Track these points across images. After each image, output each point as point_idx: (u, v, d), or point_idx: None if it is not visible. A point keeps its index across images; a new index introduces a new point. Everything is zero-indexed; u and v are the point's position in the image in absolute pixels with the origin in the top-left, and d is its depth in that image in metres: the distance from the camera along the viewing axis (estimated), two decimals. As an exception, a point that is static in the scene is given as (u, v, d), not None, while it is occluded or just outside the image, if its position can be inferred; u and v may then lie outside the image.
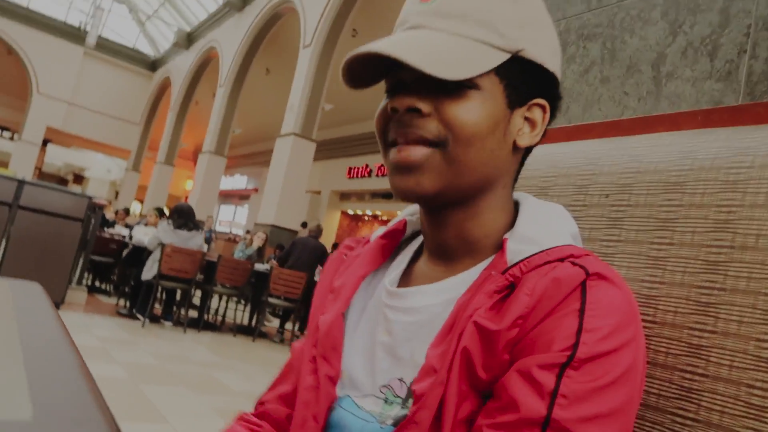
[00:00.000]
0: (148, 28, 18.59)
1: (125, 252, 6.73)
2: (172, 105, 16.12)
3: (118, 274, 7.21)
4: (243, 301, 6.99)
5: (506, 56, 0.54)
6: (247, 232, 12.84)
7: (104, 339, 4.48)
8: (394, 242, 0.67)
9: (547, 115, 0.58)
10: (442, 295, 0.56)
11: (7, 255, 4.86)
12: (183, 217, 5.64)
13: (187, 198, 16.80)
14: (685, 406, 0.54)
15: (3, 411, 0.28)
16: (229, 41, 13.08)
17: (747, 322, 0.52)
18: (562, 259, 0.50)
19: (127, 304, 6.04)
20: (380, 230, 0.69)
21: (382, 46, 0.50)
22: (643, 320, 0.60)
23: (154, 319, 5.79)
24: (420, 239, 0.67)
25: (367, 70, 0.56)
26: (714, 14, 0.91)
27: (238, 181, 21.21)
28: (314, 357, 0.62)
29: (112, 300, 6.68)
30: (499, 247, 0.56)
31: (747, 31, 0.85)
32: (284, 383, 0.71)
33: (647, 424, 0.57)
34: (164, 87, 17.94)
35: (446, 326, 0.52)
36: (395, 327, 0.57)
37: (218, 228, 19.70)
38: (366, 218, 17.08)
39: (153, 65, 19.05)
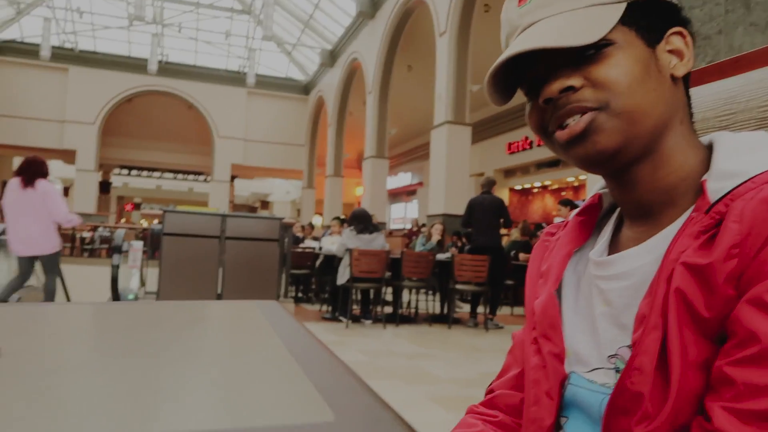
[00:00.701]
0: (295, 55, 20.00)
1: (318, 262, 7.32)
2: (329, 121, 17.15)
3: (315, 282, 7.87)
4: (432, 292, 7.20)
5: (623, 6, 0.55)
6: (423, 225, 13.18)
7: (317, 343, 4.92)
8: (592, 218, 0.67)
9: (688, 38, 0.57)
10: (651, 253, 0.54)
11: (225, 281, 5.57)
12: (362, 221, 5.98)
13: (359, 203, 17.76)
14: None
15: (309, 415, 0.34)
16: (369, 49, 13.55)
17: None
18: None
19: (329, 308, 6.56)
20: (577, 209, 0.69)
21: (514, 48, 0.54)
22: None
23: (355, 319, 6.22)
24: (619, 209, 0.65)
25: (502, 84, 0.59)
26: None
27: (402, 179, 21.89)
28: (535, 338, 0.63)
29: (315, 307, 7.30)
30: (700, 191, 0.53)
31: None
32: (511, 370, 0.73)
33: None
34: (320, 106, 19.16)
35: (655, 277, 0.51)
36: (611, 296, 0.57)
37: (392, 225, 20.51)
38: (535, 190, 16.56)
39: (306, 88, 20.45)
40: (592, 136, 0.54)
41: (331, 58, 16.94)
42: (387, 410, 0.36)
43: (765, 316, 0.42)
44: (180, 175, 26.09)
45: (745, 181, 0.49)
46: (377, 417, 0.35)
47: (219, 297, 5.52)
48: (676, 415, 0.47)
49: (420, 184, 19.75)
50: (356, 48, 14.70)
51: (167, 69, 18.56)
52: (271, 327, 0.70)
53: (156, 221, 11.52)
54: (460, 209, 9.56)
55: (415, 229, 12.29)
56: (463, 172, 9.75)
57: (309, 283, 8.16)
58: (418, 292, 6.79)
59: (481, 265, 5.88)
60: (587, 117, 0.54)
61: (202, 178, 25.28)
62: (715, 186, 0.51)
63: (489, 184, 6.32)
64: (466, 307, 7.52)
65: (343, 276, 5.88)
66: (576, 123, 0.55)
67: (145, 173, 26.21)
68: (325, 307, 6.95)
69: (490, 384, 0.76)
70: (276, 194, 27.04)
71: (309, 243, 8.64)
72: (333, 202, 16.80)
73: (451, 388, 3.62)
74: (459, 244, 7.97)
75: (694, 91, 0.75)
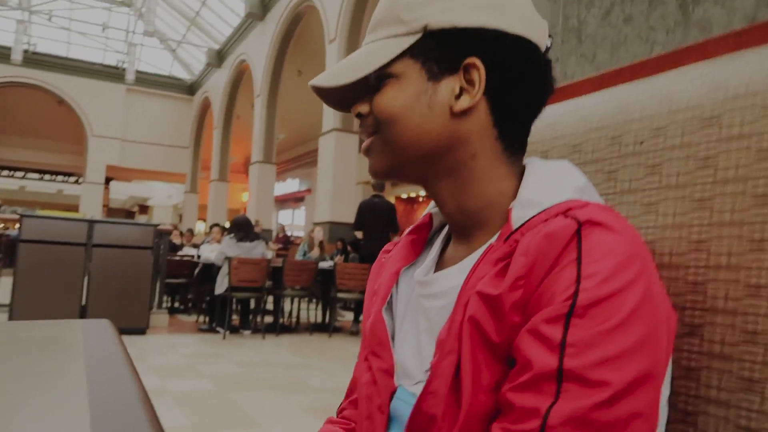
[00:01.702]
0: (180, 53, 19.13)
1: (196, 271, 7.00)
2: (215, 123, 16.55)
3: (193, 292, 7.52)
4: (314, 300, 7.14)
5: (411, 38, 0.57)
6: (286, 233, 13.09)
7: (189, 355, 4.69)
8: (422, 236, 0.69)
9: (482, 71, 0.56)
10: (463, 274, 0.56)
11: (90, 291, 5.16)
12: (242, 229, 5.81)
13: (245, 209, 17.26)
14: (751, 350, 0.51)
15: None
16: (258, 51, 13.27)
17: (808, 253, 0.49)
18: (557, 215, 0.50)
19: (206, 319, 6.29)
20: (409, 228, 0.71)
21: (315, 80, 0.60)
22: (695, 267, 0.57)
23: (234, 330, 6.00)
24: (448, 227, 0.68)
25: (342, 92, 0.62)
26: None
27: (291, 185, 21.60)
28: (366, 356, 0.65)
29: (192, 318, 6.97)
30: (507, 216, 0.56)
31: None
32: (355, 390, 0.75)
33: (715, 371, 0.54)
34: (205, 107, 18.44)
35: (455, 303, 0.54)
36: (431, 313, 0.59)
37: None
38: (420, 199, 17.04)
39: (191, 88, 19.60)
40: (371, 155, 0.61)
41: (218, 58, 16.38)
42: None
43: (538, 345, 0.45)
44: (48, 176, 23.92)
45: (540, 213, 0.52)
46: None
47: (83, 309, 5.10)
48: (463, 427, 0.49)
49: (308, 191, 19.60)
50: (245, 49, 14.33)
51: (34, 60, 16.91)
52: (82, 351, 0.62)
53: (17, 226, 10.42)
54: (346, 216, 9.60)
55: (281, 235, 12.09)
56: (350, 179, 9.80)
57: (187, 292, 7.78)
58: (299, 301, 6.70)
59: (363, 274, 5.92)
60: (369, 140, 0.61)
61: (73, 179, 23.35)
62: (518, 214, 0.54)
63: (380, 186, 6.25)
64: (348, 316, 7.54)
65: (221, 285, 5.66)
66: (365, 142, 0.62)
67: (5, 173, 23.74)
68: (202, 318, 6.66)
69: (341, 404, 0.78)
70: (156, 198, 25.63)
71: (188, 251, 8.24)
72: (217, 208, 16.21)
73: (327, 398, 3.60)
74: (343, 250, 7.97)
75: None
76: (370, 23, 0.62)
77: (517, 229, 0.52)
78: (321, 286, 6.44)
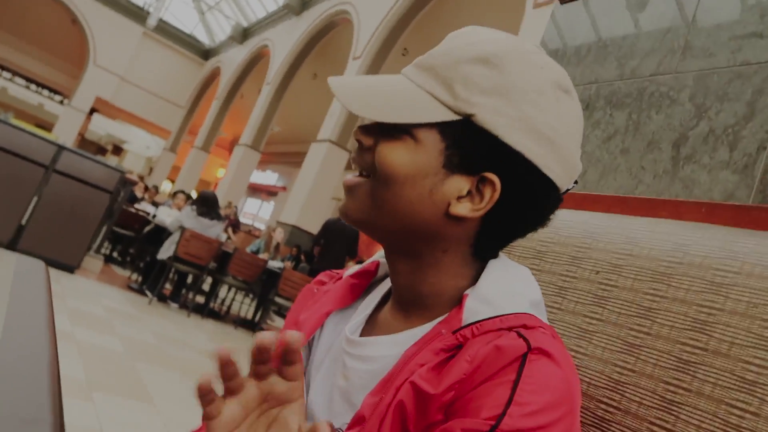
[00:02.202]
0: (208, 17, 19.05)
1: (147, 229, 6.85)
2: (218, 94, 16.44)
3: (136, 248, 7.34)
4: (251, 296, 7.03)
5: (452, 116, 0.52)
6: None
7: (110, 310, 4.56)
8: (364, 282, 0.68)
9: (497, 192, 0.53)
10: (397, 347, 0.56)
11: (35, 214, 4.99)
12: (206, 205, 5.73)
13: (217, 185, 17.05)
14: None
15: None
16: (282, 42, 13.32)
17: (706, 429, 0.52)
18: (512, 328, 0.50)
19: (139, 279, 6.14)
20: (353, 268, 0.70)
21: (335, 81, 0.56)
22: (607, 404, 0.60)
23: (162, 298, 5.87)
24: (389, 283, 0.66)
25: None
26: (741, 105, 0.91)
27: (268, 177, 21.46)
28: None
29: (126, 273, 6.79)
30: (457, 302, 0.56)
31: (770, 129, 0.85)
32: None
33: None
34: (213, 76, 18.32)
35: (387, 377, 0.53)
36: (351, 374, 0.58)
37: (241, 219, 19.94)
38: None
39: (206, 54, 19.49)
40: (351, 197, 0.57)
41: (242, 35, 16.36)
42: (45, 412, 0.33)
43: None
44: (34, 86, 23.31)
45: (495, 318, 0.52)
46: (29, 418, 0.31)
47: (19, 229, 4.93)
48: None
49: (283, 188, 19.48)
50: (271, 36, 14.36)
51: (63, -30, 16.69)
52: (8, 285, 0.62)
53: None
54: (311, 225, 9.55)
55: (232, 217, 11.83)
56: (328, 193, 9.80)
57: (129, 246, 7.59)
58: (236, 292, 6.59)
59: (308, 288, 5.86)
60: (357, 179, 0.57)
61: (58, 98, 22.79)
62: (472, 306, 0.53)
63: None
64: (278, 321, 7.44)
65: (166, 251, 5.55)
66: (351, 177, 0.58)
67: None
68: (135, 276, 6.49)
69: None
70: (134, 144, 25.13)
71: (145, 206, 8.07)
72: (191, 174, 15.97)
73: (229, 398, 3.52)
74: (296, 257, 7.90)
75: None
76: (424, 56, 0.57)
77: (468, 325, 0.52)
78: (263, 284, 6.37)
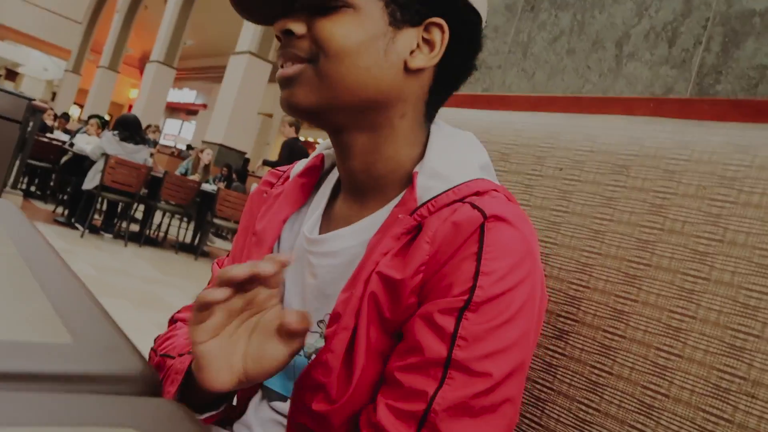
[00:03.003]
0: None
1: (64, 159, 6.47)
2: (118, 6, 15.08)
3: (56, 180, 6.95)
4: (186, 220, 6.91)
5: None
6: (188, 147, 12.43)
7: (41, 247, 4.38)
8: (312, 179, 0.67)
9: (446, 35, 0.55)
10: (358, 236, 0.57)
11: (-65, 152, 4.59)
12: (129, 129, 5.45)
13: (131, 107, 16.04)
14: (602, 361, 0.64)
15: (44, 335, 0.32)
16: (186, -57, 12.21)
17: (664, 296, 0.61)
18: (464, 199, 0.52)
19: (66, 212, 5.87)
20: (299, 166, 0.69)
21: None
22: (578, 285, 0.69)
23: (94, 230, 5.67)
24: (336, 174, 0.66)
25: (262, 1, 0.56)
26: (678, 2, 0.96)
27: (186, 95, 20.39)
28: None
29: (49, 207, 6.47)
30: (410, 181, 0.56)
31: (705, 24, 0.91)
32: None
33: (569, 373, 0.66)
34: (111, -16, 16.71)
35: (356, 272, 0.54)
36: (319, 270, 0.60)
37: (163, 141, 19.05)
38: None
39: (99, -42, 17.62)
40: (294, 86, 0.54)
41: (138, -64, 14.85)
42: (123, 338, 0.36)
43: (430, 332, 0.48)
44: None
45: (447, 190, 0.53)
46: (114, 345, 0.34)
47: None
48: (354, 401, 0.52)
49: (204, 105, 18.63)
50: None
51: None
52: (6, 233, 0.61)
53: None
54: (239, 143, 9.30)
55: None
56: (253, 107, 9.49)
57: (47, 179, 7.17)
58: (172, 217, 6.46)
59: (245, 206, 5.82)
60: (296, 68, 0.54)
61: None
62: (424, 183, 0.54)
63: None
64: (218, 242, 7.40)
65: (91, 181, 5.29)
66: (286, 69, 0.54)
67: None
68: (60, 210, 6.20)
69: (177, 312, 0.76)
70: (30, 67, 22.95)
71: (59, 135, 7.56)
72: (100, 97, 14.94)
73: (182, 321, 3.56)
74: (227, 176, 7.74)
75: (464, 113, 0.84)
76: None
77: (423, 204, 0.53)
78: (198, 207, 6.25)
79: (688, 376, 0.57)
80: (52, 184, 7.11)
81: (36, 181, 7.23)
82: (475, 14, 0.57)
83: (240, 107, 9.21)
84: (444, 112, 0.64)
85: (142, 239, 5.81)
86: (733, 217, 0.59)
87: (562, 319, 0.69)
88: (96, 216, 6.02)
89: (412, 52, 0.54)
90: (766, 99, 0.76)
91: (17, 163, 5.48)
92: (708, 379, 0.56)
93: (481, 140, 0.88)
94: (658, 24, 0.98)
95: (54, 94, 19.55)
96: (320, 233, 0.62)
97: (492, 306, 0.48)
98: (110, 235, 5.74)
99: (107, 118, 11.94)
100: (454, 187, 0.53)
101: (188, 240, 6.61)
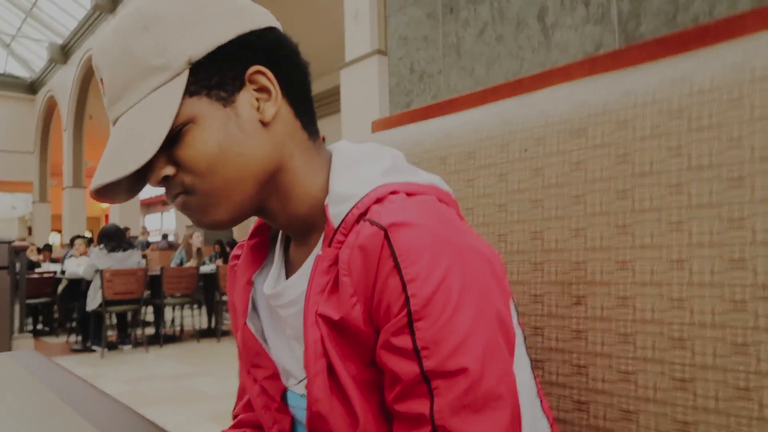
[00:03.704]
0: (16, 48, 17.23)
1: (60, 288, 6.46)
2: (64, 125, 15.19)
3: (59, 311, 6.94)
4: (198, 306, 6.91)
5: (182, 79, 0.52)
6: (164, 236, 12.42)
7: (67, 380, 4.37)
8: (263, 237, 0.68)
9: (269, 73, 0.55)
10: (305, 279, 0.57)
11: (-64, 323, 4.58)
12: (113, 239, 5.48)
13: (107, 217, 16.05)
14: (624, 311, 0.67)
15: None
16: (110, 45, 12.33)
17: (656, 235, 0.65)
18: (367, 212, 0.52)
19: (79, 338, 5.86)
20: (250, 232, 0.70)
21: (93, 183, 0.53)
22: (577, 249, 0.72)
23: (112, 347, 5.66)
24: None
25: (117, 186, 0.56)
26: (580, -37, 1.02)
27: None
28: (248, 369, 0.65)
29: (61, 339, 6.45)
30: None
31: (610, -25, 0.96)
32: (245, 393, 0.75)
33: (598, 331, 0.69)
34: (51, 108, 16.83)
35: (304, 319, 0.54)
36: (291, 320, 0.60)
37: (149, 238, 19.03)
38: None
39: (32, 87, 17.78)
40: (194, 214, 0.56)
41: (63, 54, 15.01)
42: None
43: (396, 357, 0.48)
44: None
45: (353, 207, 0.53)
46: None
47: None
48: (363, 429, 0.52)
49: (177, 191, 18.64)
50: (94, 44, 13.24)
51: None
52: (38, 380, 0.64)
53: None
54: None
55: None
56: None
57: (50, 312, 7.15)
58: (183, 309, 6.46)
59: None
60: (180, 200, 0.55)
61: None
62: (335, 210, 0.54)
63: None
64: (234, 317, 7.37)
65: (94, 300, 5.30)
66: (177, 202, 0.56)
67: None
68: (73, 338, 6.18)
69: (234, 409, 0.78)
70: (-1, 211, 22.97)
71: (47, 267, 7.56)
72: (75, 217, 14.94)
73: (224, 403, 3.55)
74: (221, 252, 7.75)
75: (415, 128, 0.88)
76: (110, 98, 0.55)
77: (337, 229, 0.53)
78: (204, 291, 6.25)
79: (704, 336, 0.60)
80: (56, 316, 7.09)
81: (40, 318, 7.21)
82: (268, 30, 0.57)
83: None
84: (397, 133, 0.66)
85: (161, 340, 5.80)
86: (692, 143, 0.63)
87: (573, 285, 0.72)
88: (110, 332, 6.01)
89: (258, 109, 0.55)
90: (684, 29, 0.81)
91: (17, 306, 5.48)
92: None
93: (446, 145, 0.93)
94: (569, -12, 1.03)
95: (30, 229, 19.54)
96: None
97: (433, 306, 0.47)
98: (129, 346, 5.72)
99: (89, 235, 11.95)
100: (358, 202, 0.53)
101: (205, 325, 6.60)
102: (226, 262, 7.08)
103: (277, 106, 0.56)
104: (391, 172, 0.56)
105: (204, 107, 0.53)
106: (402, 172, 0.57)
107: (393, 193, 0.53)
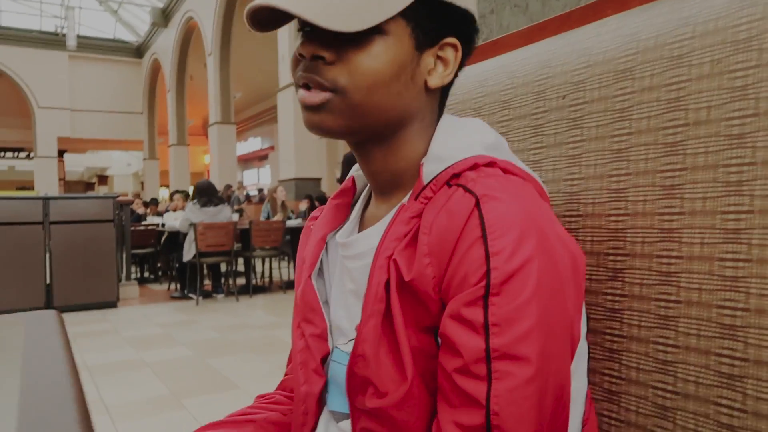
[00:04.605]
0: (123, 14, 18.23)
1: (162, 239, 6.92)
2: (168, 86, 16.02)
3: (162, 261, 7.46)
4: (286, 258, 7.16)
5: (407, 1, 0.52)
6: (260, 191, 12.84)
7: (164, 324, 4.70)
8: (347, 200, 0.69)
9: (459, 53, 0.57)
10: (382, 232, 0.57)
11: (54, 269, 5.07)
12: (205, 194, 5.73)
13: (208, 172, 16.95)
14: (666, 290, 0.55)
15: None
16: (205, 7, 12.74)
17: (710, 197, 0.52)
18: (461, 174, 0.52)
19: (178, 286, 6.28)
20: (334, 193, 0.71)
21: (286, 3, 0.49)
22: (615, 214, 0.61)
23: (207, 295, 6.01)
24: (369, 188, 0.67)
25: (274, 13, 0.53)
26: None
27: (253, 144, 21.26)
28: (299, 323, 0.66)
29: (164, 286, 6.94)
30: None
31: None
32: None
33: (635, 312, 0.58)
34: (156, 70, 17.78)
35: (374, 261, 0.54)
36: (355, 273, 0.60)
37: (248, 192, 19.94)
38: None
39: (138, 51, 18.83)
40: (322, 113, 0.53)
41: (163, 17, 15.69)
42: None
43: (464, 329, 0.46)
44: (-3, 152, 22.97)
45: (448, 167, 0.53)
46: None
47: (48, 288, 5.02)
48: (412, 397, 0.51)
49: (271, 148, 19.30)
50: (191, 6, 13.74)
51: (-36, 30, 15.96)
52: (20, 347, 0.63)
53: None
54: (311, 172, 9.53)
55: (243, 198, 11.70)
56: (313, 135, 9.68)
57: (155, 261, 7.71)
58: (271, 261, 6.72)
59: (332, 229, 5.93)
60: (323, 96, 0.53)
61: (24, 154, 22.46)
62: (428, 169, 0.55)
63: None
64: (321, 271, 7.58)
65: (189, 252, 5.62)
66: (313, 96, 0.53)
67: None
68: (173, 286, 6.63)
69: (286, 370, 0.79)
70: (115, 167, 24.94)
71: (152, 220, 8.12)
72: (180, 173, 15.90)
73: (304, 355, 3.67)
74: (311, 208, 7.93)
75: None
76: None
77: (427, 185, 0.53)
78: (291, 244, 6.46)
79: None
80: (159, 265, 7.63)
81: (145, 267, 7.79)
82: (474, 22, 0.59)
83: (301, 138, 9.43)
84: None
85: (250, 290, 6.08)
86: (762, 83, 0.49)
87: (611, 257, 0.61)
88: (206, 281, 6.38)
89: (429, 71, 0.56)
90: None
91: (124, 256, 5.94)
92: (787, 277, 0.47)
93: (480, 94, 0.82)
94: None
95: (142, 184, 21.09)
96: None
97: (512, 284, 0.46)
98: (222, 295, 6.06)
99: (190, 190, 12.69)
100: (454, 164, 0.53)
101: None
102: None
103: (443, 82, 0.57)
104: (492, 148, 0.56)
105: (402, 34, 0.53)
106: (504, 153, 0.57)
107: (489, 165, 0.53)
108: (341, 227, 0.67)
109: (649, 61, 0.59)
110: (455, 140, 0.56)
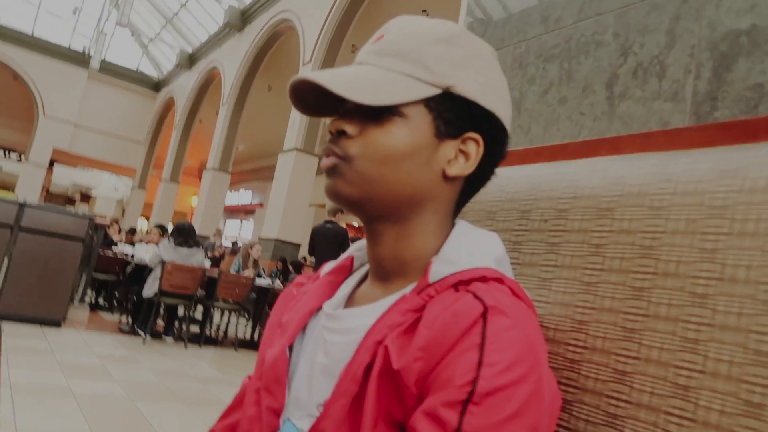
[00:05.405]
0: (151, 50, 18.80)
1: (128, 269, 6.76)
2: (176, 124, 16.25)
3: (120, 291, 7.25)
4: (246, 316, 6.99)
5: (435, 90, 0.57)
6: (233, 244, 12.67)
7: (104, 356, 4.49)
8: (341, 278, 0.69)
9: (481, 148, 0.59)
10: (373, 315, 0.57)
11: (9, 275, 4.90)
12: (183, 235, 5.68)
13: (192, 213, 16.86)
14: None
15: None
16: (231, 61, 13.20)
17: (666, 349, 0.53)
18: (469, 282, 0.53)
19: (129, 320, 6.06)
20: (329, 266, 0.70)
21: (316, 75, 0.55)
22: (575, 345, 0.61)
23: (156, 335, 5.80)
24: (366, 267, 0.67)
25: (316, 97, 0.60)
26: (661, 35, 0.92)
27: (243, 196, 21.31)
28: (258, 389, 0.63)
29: (115, 317, 6.70)
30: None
31: (691, 52, 0.86)
32: (233, 414, 0.73)
33: (574, 450, 0.57)
34: (168, 106, 18.10)
35: (362, 342, 0.54)
36: (332, 348, 0.59)
37: (224, 242, 19.74)
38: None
39: (157, 86, 19.24)
40: (336, 177, 0.58)
41: (189, 60, 16.19)
42: None
43: (435, 429, 0.45)
44: (-13, 148, 22.78)
45: (456, 272, 0.54)
46: None
47: (-3, 292, 4.83)
48: None
49: (260, 204, 19.35)
50: (218, 57, 14.23)
51: (-5, 29, 16.30)
52: None
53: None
54: (294, 236, 9.51)
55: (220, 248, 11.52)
56: (304, 200, 9.75)
57: (113, 290, 7.48)
58: (230, 315, 6.55)
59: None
60: (331, 160, 0.58)
61: (15, 156, 22.30)
62: (436, 269, 0.55)
63: (334, 212, 6.23)
64: (279, 337, 7.39)
65: (151, 288, 5.48)
66: (326, 160, 0.59)
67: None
68: (125, 318, 6.41)
69: (212, 426, 0.75)
70: (101, 189, 24.74)
71: (122, 247, 7.96)
72: (164, 208, 15.79)
73: (239, 421, 3.50)
74: (283, 270, 7.84)
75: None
76: (379, 46, 0.60)
77: (431, 284, 0.54)
78: (255, 302, 6.33)
79: (704, 444, 0.48)
80: (117, 295, 7.41)
81: (103, 293, 7.55)
82: (504, 132, 0.62)
83: (292, 201, 9.49)
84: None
85: (202, 339, 5.89)
86: (730, 250, 0.52)
87: (562, 388, 0.61)
88: (160, 321, 6.18)
89: (449, 161, 0.59)
90: (756, 117, 0.69)
91: (83, 277, 5.77)
92: (727, 446, 0.47)
93: (470, 201, 0.84)
94: (645, 59, 0.93)
95: (124, 211, 20.86)
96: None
97: (495, 399, 0.45)
98: (171, 339, 5.84)
99: (170, 226, 12.55)
100: (463, 270, 0.54)
101: (248, 336, 6.65)
102: (285, 280, 7.16)
103: (462, 173, 0.59)
104: (500, 262, 0.58)
105: (423, 121, 0.57)
106: (507, 269, 0.59)
107: (498, 281, 0.54)
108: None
109: (630, 205, 0.61)
110: (469, 248, 0.58)
